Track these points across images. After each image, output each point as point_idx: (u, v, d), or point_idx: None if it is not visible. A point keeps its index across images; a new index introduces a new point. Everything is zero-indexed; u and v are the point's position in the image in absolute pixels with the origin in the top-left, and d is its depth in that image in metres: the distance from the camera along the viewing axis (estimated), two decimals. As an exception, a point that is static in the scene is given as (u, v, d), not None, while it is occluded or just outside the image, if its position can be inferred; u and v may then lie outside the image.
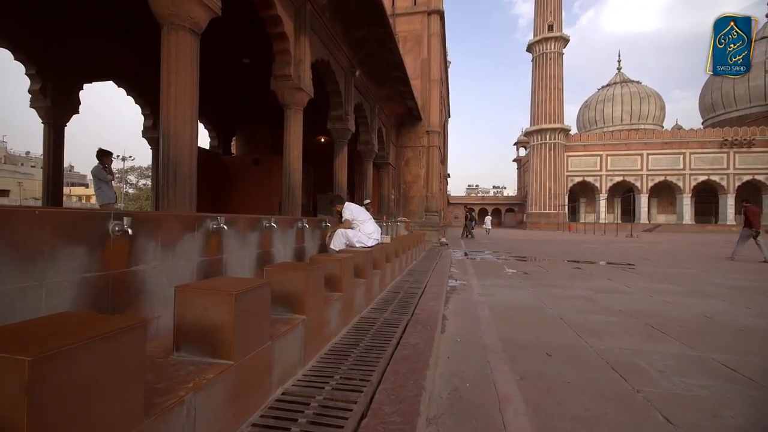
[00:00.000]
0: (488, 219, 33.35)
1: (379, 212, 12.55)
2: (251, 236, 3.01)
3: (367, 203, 9.24)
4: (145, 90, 8.70)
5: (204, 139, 11.80)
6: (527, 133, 47.40)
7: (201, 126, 11.35)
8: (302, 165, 14.56)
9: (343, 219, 4.38)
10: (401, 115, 12.98)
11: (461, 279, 6.19)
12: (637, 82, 51.52)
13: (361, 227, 4.41)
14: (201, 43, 3.54)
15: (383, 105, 11.31)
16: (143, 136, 9.04)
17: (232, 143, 12.85)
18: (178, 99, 3.32)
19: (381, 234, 4.72)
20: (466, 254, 10.79)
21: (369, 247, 4.31)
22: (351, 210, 4.44)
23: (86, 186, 70.38)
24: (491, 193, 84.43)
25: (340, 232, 4.23)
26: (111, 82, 8.11)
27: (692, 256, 11.10)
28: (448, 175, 36.97)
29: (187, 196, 3.34)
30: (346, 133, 8.01)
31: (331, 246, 4.20)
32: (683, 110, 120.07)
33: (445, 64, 20.28)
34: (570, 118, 45.07)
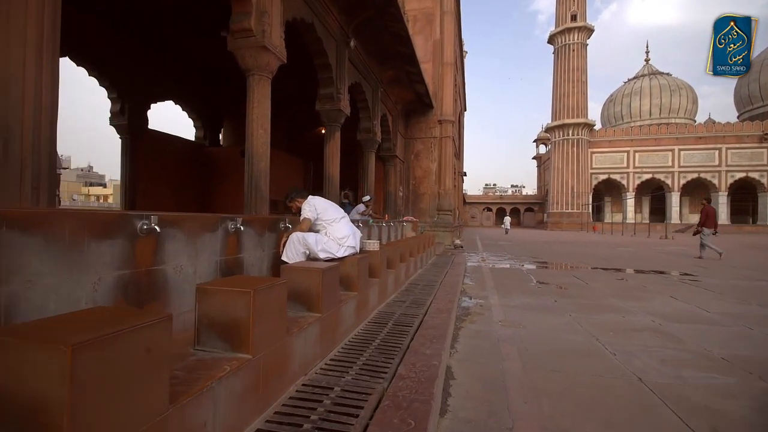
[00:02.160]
0: (507, 219, 32.15)
1: (385, 210, 11.20)
2: (107, 248, 1.71)
3: (367, 200, 7.93)
4: (110, 68, 7.58)
5: (189, 130, 10.70)
6: (548, 129, 45.23)
7: (185, 115, 10.23)
8: (302, 161, 13.31)
9: (301, 218, 3.05)
10: (410, 102, 11.59)
11: (477, 296, 4.78)
12: (667, 74, 48.52)
13: (328, 230, 3.07)
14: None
15: (388, 89, 9.96)
16: (111, 124, 7.93)
17: (221, 134, 11.67)
18: (12, 22, 2.04)
19: (361, 238, 3.36)
20: (483, 259, 9.34)
21: (338, 258, 2.98)
22: (314, 205, 3.10)
23: (104, 186, 71.72)
24: (509, 192, 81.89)
25: (295, 237, 2.90)
26: (67, 58, 7.01)
27: (753, 262, 9.36)
28: (465, 173, 35.30)
29: (29, 181, 2.06)
30: (338, 116, 6.69)
31: (284, 258, 2.89)
32: (712, 107, 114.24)
33: (461, 49, 18.69)
34: (591, 116, 42.32)
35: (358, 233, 3.29)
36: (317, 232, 3.10)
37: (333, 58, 6.41)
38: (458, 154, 19.30)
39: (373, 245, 3.65)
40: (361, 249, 3.70)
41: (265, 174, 4.45)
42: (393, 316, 3.28)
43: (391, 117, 10.92)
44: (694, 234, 10.00)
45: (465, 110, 26.55)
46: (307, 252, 2.92)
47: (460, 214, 21.57)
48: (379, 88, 9.10)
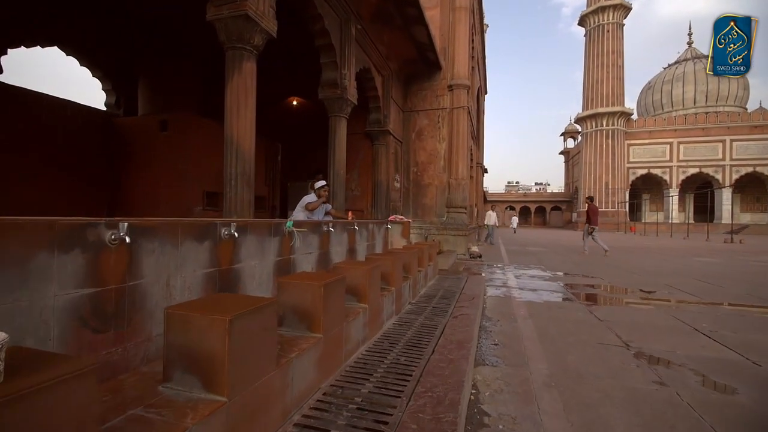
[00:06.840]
0: (514, 219, 30.64)
1: (373, 208, 8.14)
2: None
3: (321, 187, 4.89)
4: None
5: (97, 96, 7.86)
6: (579, 120, 41.05)
7: (88, 73, 7.42)
8: (267, 141, 10.39)
9: None
10: (409, 59, 8.48)
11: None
12: (714, 57, 43.34)
13: None
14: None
15: (372, 30, 6.88)
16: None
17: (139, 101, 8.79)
18: None
19: None
20: (513, 280, 6.11)
21: None
22: None
23: None
24: (533, 190, 77.11)
25: None
26: None
27: None
28: (486, 169, 31.77)
29: None
30: (246, 30, 3.66)
31: None
32: (758, 97, 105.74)
33: (481, 15, 15.37)
34: (627, 106, 37.55)
35: None
36: None
37: None
38: (477, 138, 15.98)
39: None
40: None
41: None
42: None
43: (381, 76, 7.84)
44: (590, 233, 10.34)
45: (486, 93, 23.08)
46: None
47: (479, 213, 18.21)
48: (354, 24, 6.04)
